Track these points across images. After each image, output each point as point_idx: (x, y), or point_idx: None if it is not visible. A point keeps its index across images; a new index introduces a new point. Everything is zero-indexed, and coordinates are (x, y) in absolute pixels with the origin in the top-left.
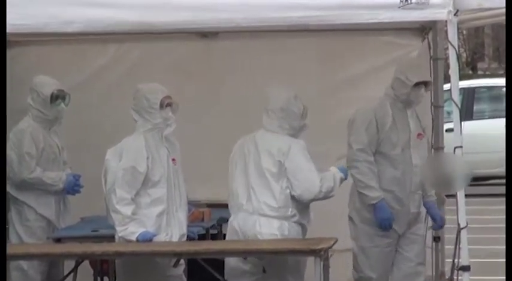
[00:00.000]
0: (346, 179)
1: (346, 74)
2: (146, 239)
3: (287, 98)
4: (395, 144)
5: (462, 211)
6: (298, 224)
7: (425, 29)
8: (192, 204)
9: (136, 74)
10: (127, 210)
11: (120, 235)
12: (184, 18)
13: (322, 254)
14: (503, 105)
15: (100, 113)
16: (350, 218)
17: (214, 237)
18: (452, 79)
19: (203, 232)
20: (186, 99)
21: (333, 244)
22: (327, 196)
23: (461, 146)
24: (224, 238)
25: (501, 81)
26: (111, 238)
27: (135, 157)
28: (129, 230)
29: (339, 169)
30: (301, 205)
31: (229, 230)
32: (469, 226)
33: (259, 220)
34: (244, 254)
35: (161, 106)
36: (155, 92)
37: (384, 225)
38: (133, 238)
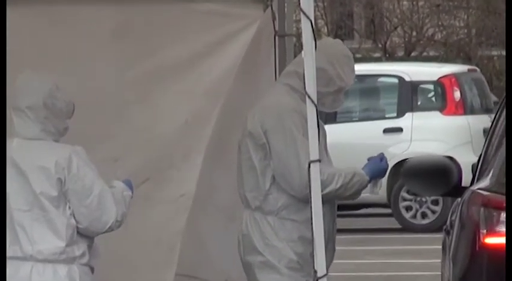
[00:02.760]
0: (132, 197)
1: (155, 58)
2: None
3: (49, 90)
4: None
5: (321, 253)
6: (89, 267)
7: None
8: None
9: None
10: None
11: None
12: None
13: None
14: (380, 102)
15: None
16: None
17: None
18: (306, 64)
19: None
20: None
21: None
22: (119, 226)
23: (318, 160)
24: None
25: (377, 68)
26: None
27: None
28: None
29: (126, 184)
30: (90, 239)
31: None
32: (330, 274)
33: (37, 267)
34: None
35: None
36: None
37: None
38: None
